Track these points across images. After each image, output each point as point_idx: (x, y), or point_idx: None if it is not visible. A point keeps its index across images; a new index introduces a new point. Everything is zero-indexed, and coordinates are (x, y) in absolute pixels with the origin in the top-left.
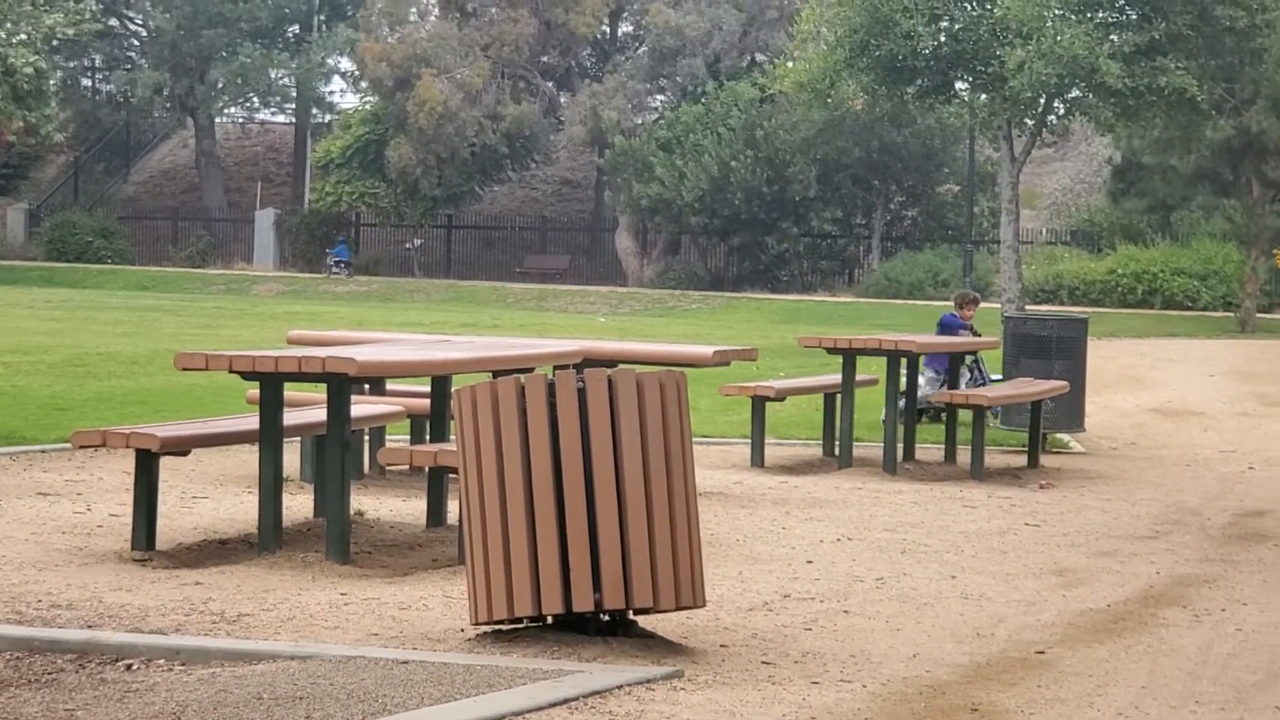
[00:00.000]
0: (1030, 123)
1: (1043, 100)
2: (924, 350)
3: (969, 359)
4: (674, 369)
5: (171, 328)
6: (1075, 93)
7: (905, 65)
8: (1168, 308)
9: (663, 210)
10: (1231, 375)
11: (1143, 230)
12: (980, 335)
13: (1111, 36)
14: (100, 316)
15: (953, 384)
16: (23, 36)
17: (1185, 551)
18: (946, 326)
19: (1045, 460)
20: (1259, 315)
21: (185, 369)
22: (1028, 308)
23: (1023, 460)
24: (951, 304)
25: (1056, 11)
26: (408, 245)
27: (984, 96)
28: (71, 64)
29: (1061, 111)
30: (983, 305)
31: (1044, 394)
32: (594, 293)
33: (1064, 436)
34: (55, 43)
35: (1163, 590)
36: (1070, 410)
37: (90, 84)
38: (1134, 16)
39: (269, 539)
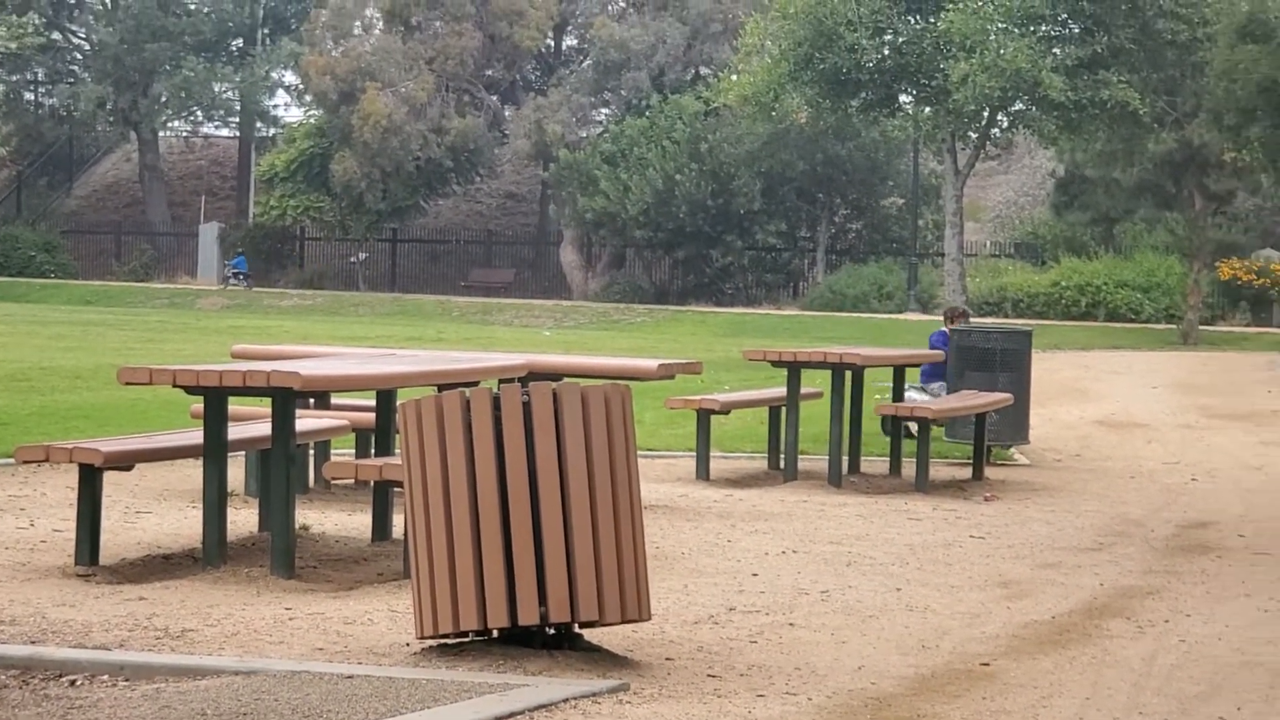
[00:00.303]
0: (974, 136)
1: (986, 113)
2: (869, 363)
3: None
4: (619, 382)
5: (115, 342)
6: (1018, 106)
7: (849, 78)
8: (1111, 320)
9: (607, 223)
10: (1174, 387)
11: (1086, 243)
12: None
13: (1054, 50)
14: (43, 331)
15: (897, 396)
16: None
17: (1129, 563)
18: (935, 346)
19: (990, 472)
20: (1201, 327)
21: (129, 383)
22: (972, 320)
23: (967, 473)
24: (941, 320)
25: (999, 25)
26: (353, 259)
27: (928, 109)
28: (14, 78)
29: (1005, 124)
30: (925, 318)
31: (988, 406)
32: (539, 306)
33: (1008, 448)
34: None
35: (1106, 602)
36: (1015, 422)
37: (33, 98)
38: (1076, 30)
39: (213, 554)
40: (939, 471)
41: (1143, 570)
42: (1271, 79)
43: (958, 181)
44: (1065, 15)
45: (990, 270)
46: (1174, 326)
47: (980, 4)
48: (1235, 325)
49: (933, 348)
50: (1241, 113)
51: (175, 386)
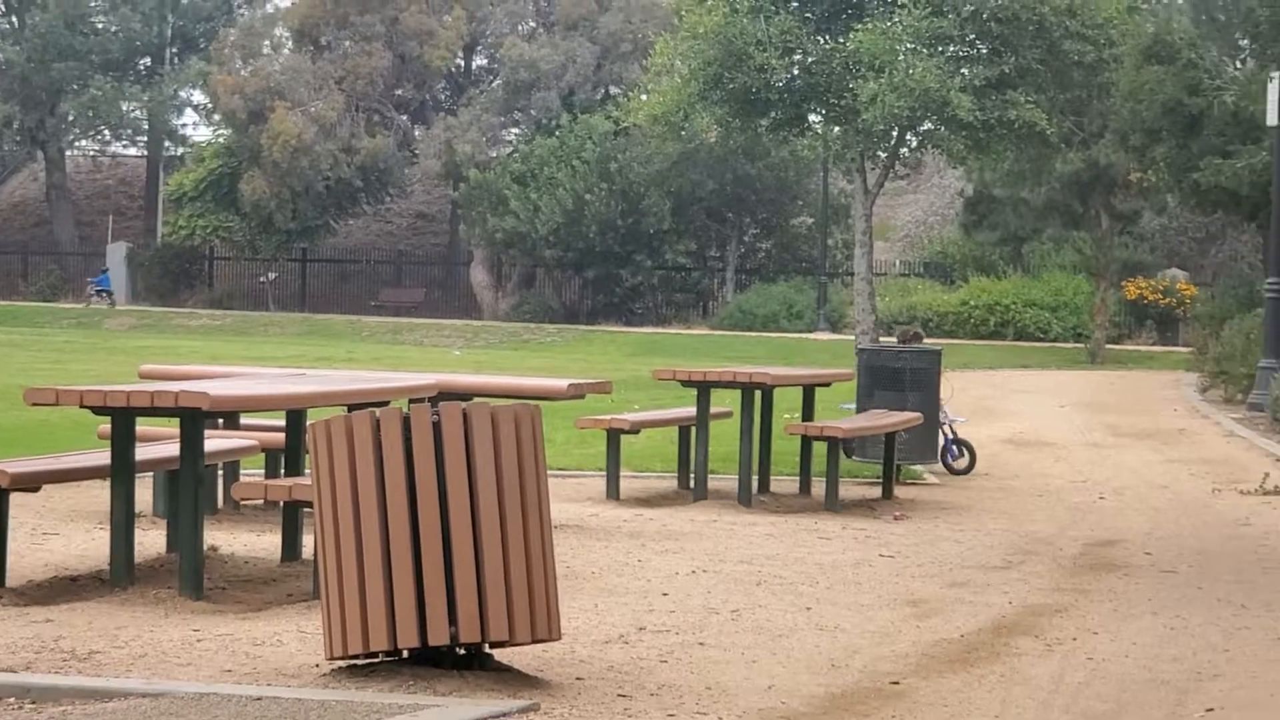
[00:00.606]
0: (883, 155)
1: (895, 133)
2: (779, 383)
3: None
4: (529, 402)
5: (21, 362)
6: (927, 125)
7: (759, 98)
8: (1020, 339)
9: (517, 243)
10: (1082, 406)
11: (995, 262)
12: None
13: (963, 70)
14: None
15: (807, 416)
16: None
17: (1037, 581)
18: None
19: (899, 491)
20: (1108, 346)
21: (35, 404)
22: (881, 339)
23: (877, 492)
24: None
25: (908, 45)
26: (262, 279)
27: (837, 129)
28: None
29: (914, 144)
30: (835, 337)
31: (898, 426)
32: (449, 326)
33: (917, 467)
34: None
35: (1015, 620)
36: (924, 441)
37: None
38: (984, 51)
39: (121, 575)
40: (849, 490)
41: (1051, 588)
42: (1176, 100)
43: (867, 201)
44: (973, 36)
45: (900, 289)
46: (1082, 345)
47: (889, 24)
48: (1142, 344)
49: None
50: (1147, 133)
51: (82, 407)
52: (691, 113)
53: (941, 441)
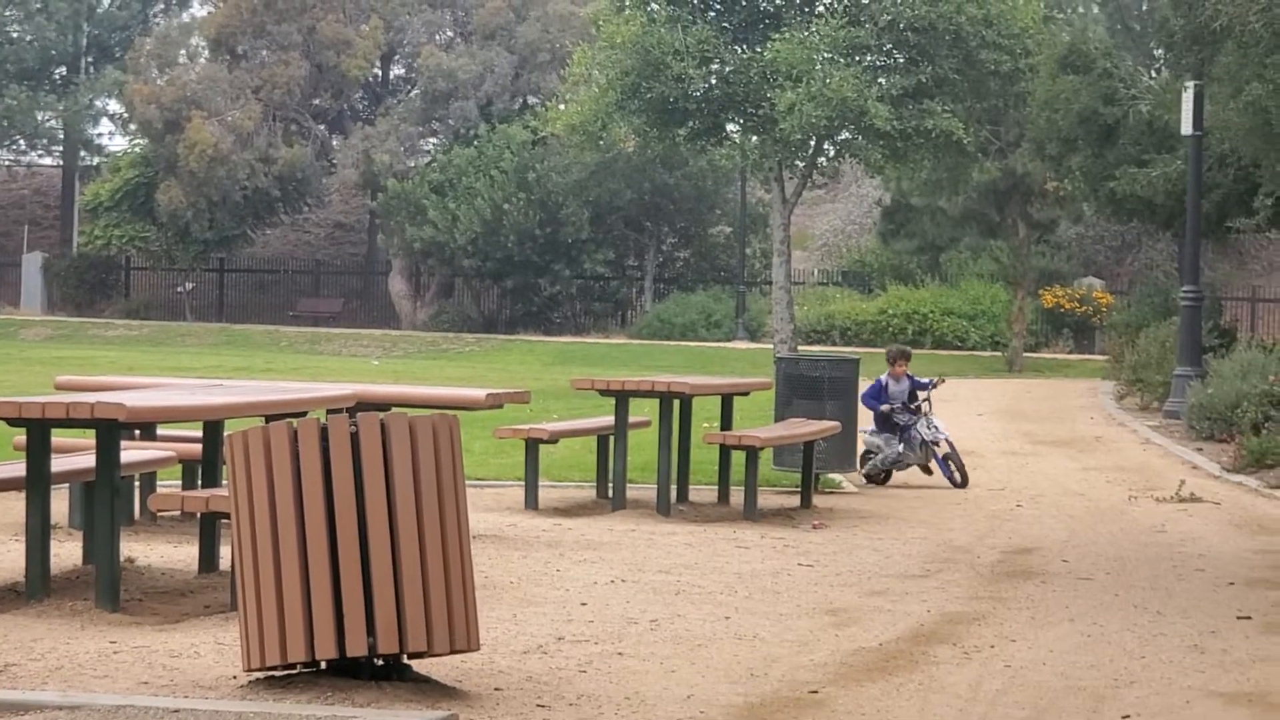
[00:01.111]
0: (801, 164)
1: (813, 142)
2: (696, 392)
3: (913, 403)
4: (447, 412)
5: None
6: (845, 135)
7: (677, 107)
8: (938, 347)
9: (436, 253)
10: (999, 414)
11: (913, 271)
12: (927, 384)
13: (880, 80)
14: None
15: (725, 425)
16: None
17: (956, 589)
18: (873, 395)
19: (818, 500)
20: (1026, 354)
21: None
22: (800, 348)
23: (796, 500)
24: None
25: (825, 55)
26: (179, 289)
27: (755, 139)
28: None
29: (831, 153)
30: (754, 346)
31: (816, 434)
32: (367, 336)
33: (836, 476)
34: None
35: (934, 628)
36: (842, 450)
37: None
38: (901, 60)
39: (36, 586)
40: (768, 500)
41: (969, 596)
42: (1092, 109)
43: (785, 210)
44: (890, 45)
45: (818, 298)
46: (999, 354)
47: (806, 34)
48: (1059, 352)
49: (871, 397)
50: (1063, 142)
51: None
52: (609, 122)
53: (938, 454)
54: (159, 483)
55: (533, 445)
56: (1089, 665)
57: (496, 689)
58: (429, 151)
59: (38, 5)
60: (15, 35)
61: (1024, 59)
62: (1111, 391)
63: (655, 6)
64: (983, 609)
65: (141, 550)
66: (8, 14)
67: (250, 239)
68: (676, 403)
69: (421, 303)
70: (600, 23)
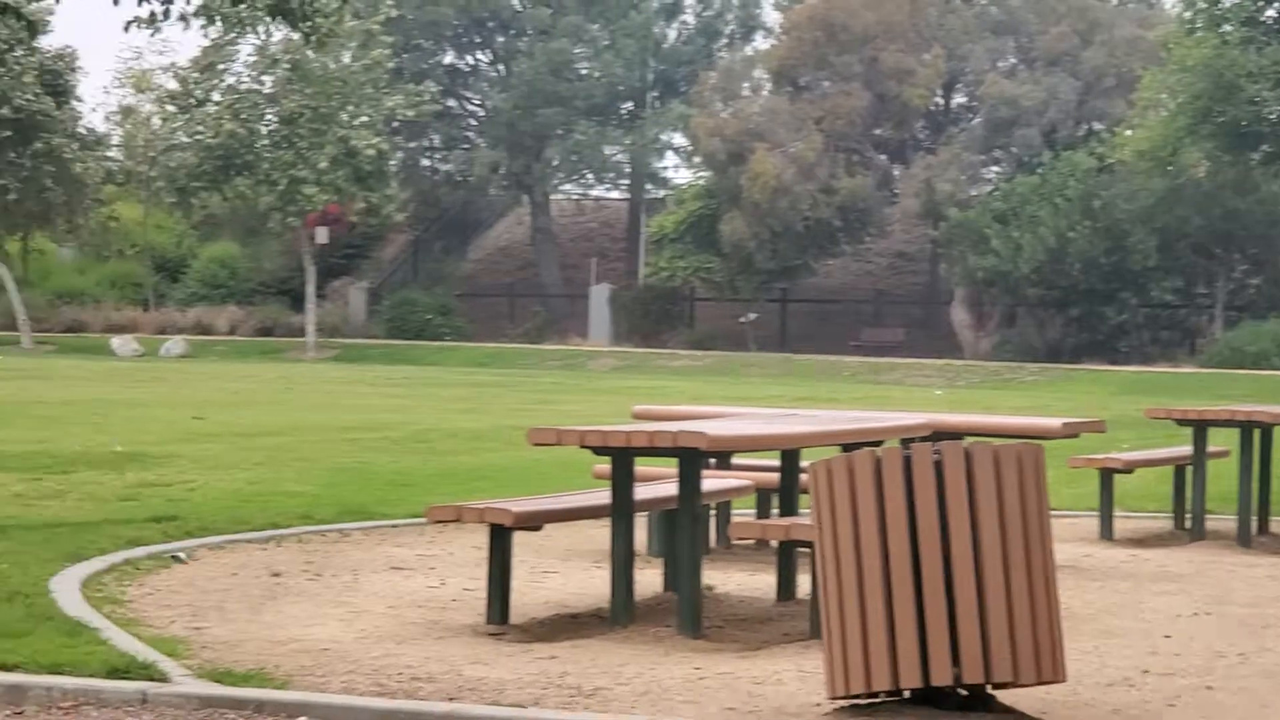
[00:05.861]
0: None
1: None
2: (1277, 421)
3: None
4: (1031, 442)
5: (510, 403)
6: None
7: (1250, 131)
8: None
9: (999, 282)
10: None
11: None
12: None
13: None
14: (441, 393)
15: None
16: (365, 119)
17: None
18: None
19: None
20: None
21: (537, 444)
22: None
23: None
24: None
25: None
26: (742, 319)
27: None
28: (411, 145)
29: None
30: None
31: None
32: (929, 365)
33: None
34: (395, 124)
35: None
36: None
37: (429, 164)
38: None
39: (621, 613)
40: None
41: None
42: None
43: None
44: None
45: None
46: None
47: None
48: None
49: None
50: None
51: (582, 447)
52: (1179, 147)
53: None
54: (732, 511)
55: (1107, 475)
56: None
57: None
58: (991, 180)
59: (606, 43)
60: (585, 73)
61: None
62: None
63: (1228, 28)
64: None
65: (719, 578)
66: (577, 52)
67: (812, 269)
68: (1257, 432)
69: (984, 332)
70: (1171, 45)
